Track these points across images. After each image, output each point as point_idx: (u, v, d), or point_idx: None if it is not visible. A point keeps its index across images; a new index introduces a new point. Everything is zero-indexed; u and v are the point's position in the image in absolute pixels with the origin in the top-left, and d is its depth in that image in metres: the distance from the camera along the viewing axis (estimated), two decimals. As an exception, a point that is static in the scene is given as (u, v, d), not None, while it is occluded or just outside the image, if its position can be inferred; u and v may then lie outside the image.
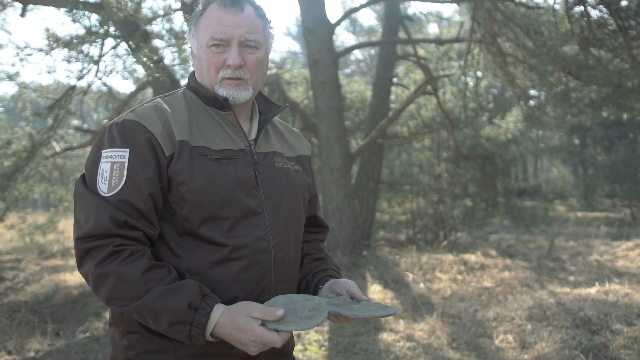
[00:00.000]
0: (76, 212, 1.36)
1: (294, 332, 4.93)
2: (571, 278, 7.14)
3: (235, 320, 1.25)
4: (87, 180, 1.37)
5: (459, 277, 7.09)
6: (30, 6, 7.66)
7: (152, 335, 1.38)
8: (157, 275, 1.28)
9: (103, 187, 1.33)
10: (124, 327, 1.41)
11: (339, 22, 8.13)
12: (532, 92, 12.62)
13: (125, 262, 1.27)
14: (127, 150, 1.35)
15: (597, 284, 6.34)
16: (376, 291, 6.30)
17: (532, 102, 10.82)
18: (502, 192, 12.66)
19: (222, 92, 1.46)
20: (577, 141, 20.23)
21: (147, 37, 7.06)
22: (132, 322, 1.39)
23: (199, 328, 1.25)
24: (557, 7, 8.10)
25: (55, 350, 4.52)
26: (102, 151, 1.37)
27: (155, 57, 6.00)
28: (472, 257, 8.18)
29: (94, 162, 1.37)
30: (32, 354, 4.41)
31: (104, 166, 1.34)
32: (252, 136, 1.54)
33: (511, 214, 12.58)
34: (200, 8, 1.49)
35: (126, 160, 1.34)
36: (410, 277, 7.07)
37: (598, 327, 4.71)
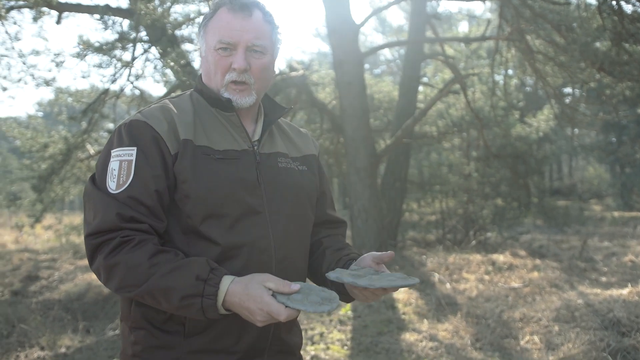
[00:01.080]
0: (85, 211, 1.42)
1: (310, 333, 4.98)
2: (603, 279, 6.98)
3: (247, 287, 1.27)
4: (97, 180, 1.42)
5: (486, 277, 7.00)
6: (65, 13, 7.90)
7: (158, 331, 1.42)
8: (164, 257, 1.32)
9: (112, 185, 1.37)
10: (131, 322, 1.46)
11: (364, 22, 8.14)
12: (565, 89, 12.37)
13: (132, 250, 1.31)
14: (135, 148, 1.39)
15: (629, 285, 6.17)
16: (401, 291, 6.28)
17: (565, 100, 10.60)
18: (534, 192, 12.43)
19: (226, 95, 1.49)
20: (613, 139, 19.68)
21: (176, 41, 7.21)
22: (139, 317, 1.43)
23: (209, 299, 1.27)
24: (589, 1, 7.93)
25: (85, 346, 4.67)
26: (112, 151, 1.42)
27: (182, 61, 6.12)
28: (500, 257, 8.07)
29: (104, 162, 1.42)
30: (63, 350, 4.57)
31: (113, 165, 1.39)
32: (257, 137, 1.57)
33: (544, 213, 12.34)
34: (210, 11, 1.53)
35: (134, 158, 1.38)
36: (436, 277, 7.02)
37: (628, 329, 4.60)
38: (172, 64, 6.00)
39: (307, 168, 1.67)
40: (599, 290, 6.02)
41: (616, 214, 15.85)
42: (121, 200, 1.35)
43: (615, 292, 5.85)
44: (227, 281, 1.29)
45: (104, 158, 1.43)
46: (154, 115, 1.44)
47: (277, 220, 1.49)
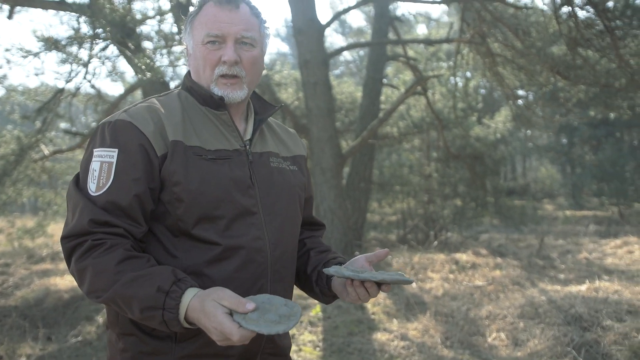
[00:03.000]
0: (67, 212, 1.38)
1: (286, 332, 4.94)
2: (561, 276, 7.21)
3: (203, 304, 1.21)
4: (80, 179, 1.38)
5: (451, 276, 7.13)
6: (18, 8, 7.58)
7: (148, 337, 1.37)
8: (132, 264, 1.27)
9: (92, 186, 1.33)
10: (119, 329, 1.40)
11: (329, 23, 8.15)
12: (521, 92, 12.74)
13: (101, 254, 1.27)
14: (116, 150, 1.34)
15: (587, 281, 6.40)
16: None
17: (520, 102, 10.91)
18: (491, 192, 12.74)
19: (217, 91, 1.45)
20: (564, 140, 20.43)
21: (137, 38, 7.03)
22: (127, 324, 1.38)
23: (171, 312, 1.22)
24: (545, 7, 8.20)
25: (47, 354, 4.49)
26: (94, 150, 1.37)
27: (147, 61, 5.98)
28: (463, 257, 8.23)
29: (87, 161, 1.38)
30: (23, 359, 4.37)
31: (94, 165, 1.35)
32: (248, 136, 1.54)
33: (501, 213, 12.66)
34: (196, 8, 1.49)
35: (114, 160, 1.34)
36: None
37: (589, 324, 4.76)
38: (136, 61, 5.84)
39: (297, 168, 1.65)
40: (559, 287, 6.22)
41: (568, 213, 16.45)
42: (99, 204, 1.31)
43: (574, 288, 6.06)
44: (189, 295, 1.24)
45: (87, 156, 1.39)
46: (140, 115, 1.39)
47: (272, 221, 1.47)
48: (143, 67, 5.52)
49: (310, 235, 1.74)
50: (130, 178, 1.32)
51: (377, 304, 5.83)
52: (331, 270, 1.37)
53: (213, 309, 1.19)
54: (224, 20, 1.43)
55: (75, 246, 1.29)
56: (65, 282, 6.91)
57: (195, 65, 1.49)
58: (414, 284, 6.72)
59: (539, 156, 22.63)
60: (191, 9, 1.64)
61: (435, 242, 9.90)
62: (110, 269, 1.25)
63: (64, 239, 1.32)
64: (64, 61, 7.28)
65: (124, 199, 1.31)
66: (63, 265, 8.27)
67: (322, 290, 1.57)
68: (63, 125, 11.64)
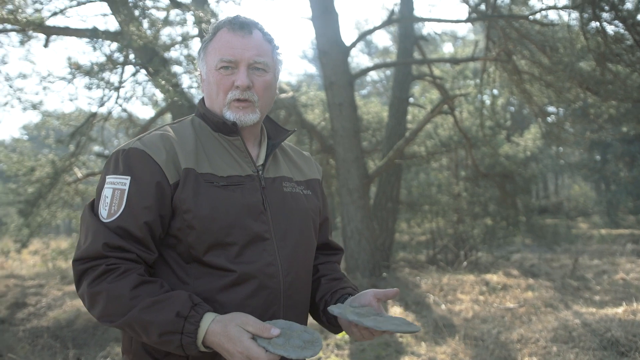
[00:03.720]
0: (79, 235, 1.40)
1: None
2: (597, 297, 6.98)
3: (226, 329, 1.23)
4: (95, 204, 1.41)
5: (481, 297, 6.97)
6: (53, 37, 7.86)
7: None
8: (147, 289, 1.29)
9: (103, 213, 1.36)
10: (133, 355, 1.42)
11: (353, 45, 8.21)
12: (551, 108, 12.55)
13: (116, 279, 1.28)
14: (129, 177, 1.37)
15: (624, 303, 6.17)
16: (397, 313, 6.22)
17: (550, 119, 10.75)
18: (522, 211, 12.50)
19: (229, 115, 1.46)
20: (598, 157, 19.96)
21: (165, 63, 7.20)
22: (140, 351, 1.40)
23: (189, 337, 1.24)
24: (573, 22, 8.08)
25: (76, 376, 4.54)
26: (107, 177, 1.40)
27: (173, 80, 6.11)
28: (494, 278, 8.05)
29: (100, 187, 1.41)
30: (54, 379, 4.44)
31: (106, 192, 1.37)
32: (261, 161, 1.54)
33: (533, 232, 12.40)
34: (210, 34, 1.52)
35: (126, 187, 1.36)
36: (431, 298, 6.98)
37: (627, 349, 4.58)
38: (163, 83, 5.97)
39: (312, 192, 1.65)
40: (594, 310, 6.02)
41: (603, 231, 15.97)
42: (111, 229, 1.33)
43: (610, 311, 5.85)
44: (208, 319, 1.26)
45: (101, 182, 1.42)
46: (154, 144, 1.41)
47: (285, 246, 1.47)
48: (169, 88, 5.64)
49: (325, 261, 1.72)
50: (141, 206, 1.34)
51: (404, 327, 5.74)
52: (335, 311, 1.36)
53: (238, 334, 1.21)
54: (237, 46, 1.45)
55: (88, 269, 1.31)
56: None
57: (208, 90, 1.51)
58: (442, 306, 6.60)
59: (571, 173, 22.14)
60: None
61: (465, 263, 9.72)
62: (126, 294, 1.26)
63: (77, 261, 1.34)
64: (89, 87, 7.47)
65: (135, 226, 1.33)
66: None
67: (329, 321, 1.55)
68: (96, 148, 11.95)
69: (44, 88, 8.78)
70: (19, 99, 8.89)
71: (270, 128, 1.65)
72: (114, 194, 1.36)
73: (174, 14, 8.53)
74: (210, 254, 1.37)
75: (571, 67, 7.59)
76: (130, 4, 6.64)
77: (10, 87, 8.61)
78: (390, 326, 1.30)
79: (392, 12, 9.07)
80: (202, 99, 1.57)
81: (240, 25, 1.47)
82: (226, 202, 1.39)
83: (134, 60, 8.14)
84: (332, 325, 1.56)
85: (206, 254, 1.37)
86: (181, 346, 1.25)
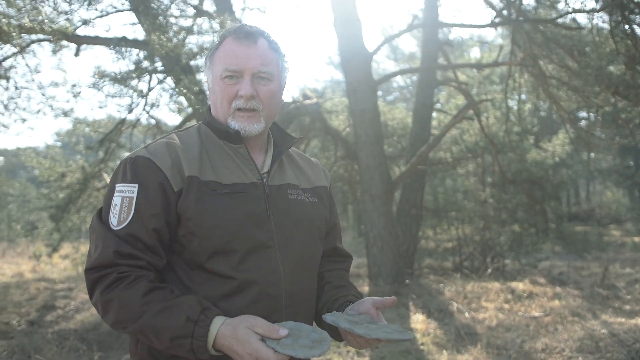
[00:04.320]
0: (90, 244, 1.43)
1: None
2: (627, 307, 6.80)
3: (235, 331, 1.24)
4: (103, 213, 1.43)
5: (506, 306, 6.86)
6: (84, 46, 8.07)
7: None
8: (157, 295, 1.31)
9: (113, 220, 1.38)
10: (139, 358, 1.45)
11: (376, 51, 8.21)
12: (580, 113, 12.32)
13: (127, 287, 1.31)
14: (136, 185, 1.39)
15: (654, 313, 6.00)
16: (419, 321, 6.17)
17: (580, 124, 10.53)
18: (552, 217, 12.25)
19: (234, 124, 1.48)
20: (631, 163, 19.44)
21: (191, 70, 7.32)
22: (145, 353, 1.42)
23: (199, 340, 1.26)
24: (601, 25, 7.93)
25: (100, 378, 4.63)
26: (116, 185, 1.42)
27: (195, 88, 6.20)
28: (519, 285, 7.91)
29: (109, 196, 1.43)
30: (78, 381, 4.53)
31: (116, 200, 1.40)
32: (266, 168, 1.55)
33: (562, 239, 12.13)
34: (216, 43, 1.54)
35: (134, 195, 1.38)
36: (454, 306, 6.89)
37: (655, 360, 4.45)
38: (185, 91, 6.08)
39: (318, 200, 1.65)
40: (623, 319, 5.86)
41: (637, 239, 15.53)
42: (121, 236, 1.35)
43: (640, 321, 5.69)
44: (217, 322, 1.27)
45: (109, 191, 1.44)
46: (159, 152, 1.43)
47: (288, 254, 1.47)
48: (191, 96, 5.73)
49: (332, 268, 1.72)
50: (149, 213, 1.37)
51: (426, 334, 5.69)
52: (328, 318, 1.36)
53: (247, 336, 1.22)
54: (241, 56, 1.46)
55: (100, 278, 1.34)
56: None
57: (214, 99, 1.53)
58: (466, 314, 6.52)
59: (603, 180, 21.61)
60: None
61: (489, 270, 9.57)
62: (137, 301, 1.29)
63: (88, 270, 1.37)
64: (115, 95, 7.65)
65: (143, 233, 1.36)
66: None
67: (331, 329, 1.54)
68: (125, 154, 12.18)
69: (75, 96, 9.02)
70: (51, 106, 9.15)
71: (277, 135, 1.65)
72: (122, 201, 1.38)
73: (200, 22, 8.68)
74: (212, 261, 1.39)
75: (600, 71, 7.43)
76: (156, 13, 6.78)
77: (43, 95, 8.87)
78: (382, 334, 1.29)
79: (415, 18, 9.04)
80: (209, 107, 1.59)
81: (245, 35, 1.48)
82: (229, 209, 1.41)
83: (160, 68, 8.32)
84: (334, 332, 1.55)
85: (208, 260, 1.39)
86: (192, 350, 1.26)
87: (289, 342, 1.22)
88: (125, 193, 1.40)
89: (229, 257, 1.39)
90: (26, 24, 5.35)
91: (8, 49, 6.91)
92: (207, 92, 1.61)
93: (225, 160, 1.49)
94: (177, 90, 6.74)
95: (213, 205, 1.40)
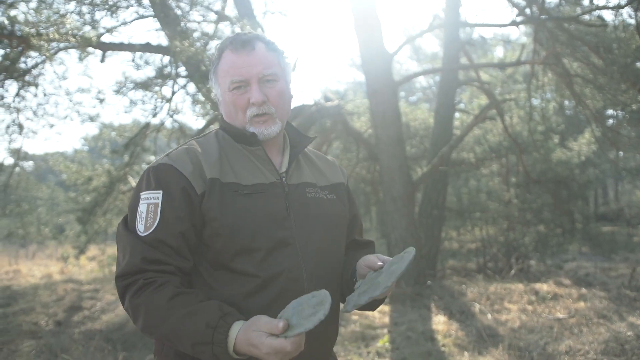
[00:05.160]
0: (117, 252, 1.48)
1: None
2: (655, 309, 6.64)
3: (247, 336, 1.27)
4: (129, 221, 1.47)
5: (529, 307, 6.77)
6: (109, 52, 8.25)
7: None
8: (182, 301, 1.34)
9: (140, 227, 1.43)
10: (164, 357, 1.49)
11: (397, 52, 8.19)
12: (607, 111, 12.07)
13: (153, 292, 1.35)
14: (161, 191, 1.44)
15: (683, 315, 5.86)
16: (440, 322, 6.14)
17: (606, 123, 10.32)
18: (578, 217, 12.04)
19: (252, 130, 1.53)
20: (661, 162, 18.96)
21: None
22: (171, 353, 1.46)
23: (220, 346, 1.28)
24: (627, 21, 7.76)
25: (125, 377, 4.72)
26: (141, 194, 1.47)
27: (213, 94, 6.29)
28: (544, 287, 7.80)
29: (134, 204, 1.48)
30: (104, 380, 4.63)
31: (142, 207, 1.45)
32: (284, 168, 1.59)
33: (589, 240, 11.92)
34: (216, 57, 1.58)
35: (159, 201, 1.43)
36: (477, 307, 6.83)
37: (683, 363, 4.35)
38: (202, 99, 6.18)
39: (336, 196, 1.68)
40: (650, 321, 5.74)
41: (667, 239, 15.15)
42: (148, 242, 1.40)
43: (668, 323, 5.56)
44: (236, 328, 1.29)
45: (134, 200, 1.48)
46: (180, 158, 1.48)
47: (308, 251, 1.50)
48: (209, 102, 5.81)
49: (352, 255, 1.73)
50: (174, 216, 1.42)
51: (447, 336, 5.65)
52: (348, 308, 1.38)
53: (258, 338, 1.25)
54: (243, 65, 1.51)
55: (129, 285, 1.39)
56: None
57: (227, 110, 1.58)
58: (488, 315, 6.45)
59: (632, 179, 21.13)
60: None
61: (513, 271, 9.44)
62: (162, 306, 1.33)
63: (118, 278, 1.41)
64: (147, 99, 7.78)
65: (170, 237, 1.41)
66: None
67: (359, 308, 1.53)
68: (149, 158, 12.39)
69: (101, 101, 9.22)
70: (77, 112, 9.37)
71: (293, 135, 1.69)
72: (148, 208, 1.43)
73: (222, 27, 8.79)
74: (237, 260, 1.43)
75: (626, 68, 7.28)
76: (177, 19, 6.90)
77: (70, 101, 9.09)
78: (391, 278, 1.32)
79: (437, 17, 8.99)
80: (222, 115, 1.64)
81: (242, 44, 1.52)
82: (250, 209, 1.45)
83: (183, 73, 8.45)
84: (367, 306, 1.56)
85: (233, 260, 1.43)
86: (214, 355, 1.29)
87: (295, 322, 1.24)
88: (150, 200, 1.44)
89: (252, 256, 1.44)
90: (52, 35, 5.49)
91: (36, 56, 7.10)
92: (218, 104, 1.66)
93: (244, 162, 1.54)
94: (198, 96, 6.85)
95: (235, 206, 1.44)
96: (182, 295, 1.36)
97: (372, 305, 1.57)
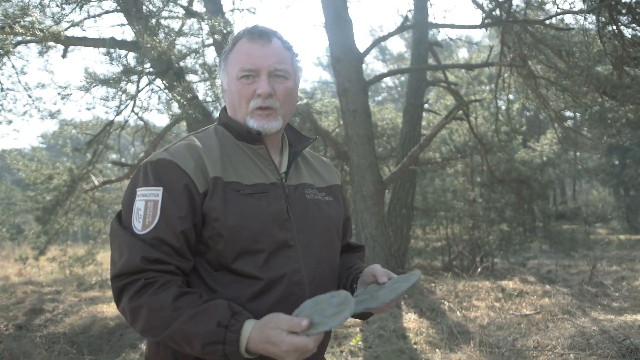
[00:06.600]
0: (112, 251, 1.40)
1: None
2: (615, 304, 6.87)
3: (265, 334, 1.22)
4: (123, 218, 1.40)
5: (497, 304, 6.90)
6: (71, 47, 7.98)
7: None
8: (187, 301, 1.29)
9: (137, 225, 1.36)
10: None
11: (367, 51, 8.21)
12: (567, 113, 12.44)
13: (156, 292, 1.28)
14: (161, 188, 1.37)
15: (643, 310, 6.08)
16: (411, 320, 6.19)
17: (567, 124, 10.62)
18: (539, 216, 12.37)
19: (252, 123, 1.48)
20: (616, 162, 19.67)
21: (181, 72, 7.27)
22: (169, 357, 1.40)
23: (232, 346, 1.24)
24: (589, 26, 8.00)
25: (92, 381, 4.57)
26: (137, 189, 1.40)
27: (189, 95, 6.17)
28: (510, 284, 7.97)
29: (129, 200, 1.41)
30: (70, 385, 4.48)
31: (139, 204, 1.38)
32: (283, 169, 1.56)
33: (550, 238, 12.25)
34: (230, 44, 1.54)
35: (159, 198, 1.36)
36: (446, 305, 6.92)
37: (646, 357, 4.50)
38: (178, 98, 6.04)
39: (333, 198, 1.66)
40: (612, 316, 5.93)
41: (622, 237, 15.73)
42: (147, 241, 1.33)
43: (629, 317, 5.76)
44: (248, 326, 1.25)
45: (129, 196, 1.42)
46: (181, 154, 1.42)
47: (309, 253, 1.48)
48: (184, 103, 5.70)
49: (345, 257, 1.73)
50: (176, 215, 1.35)
51: (419, 334, 5.70)
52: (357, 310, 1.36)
53: (277, 336, 1.20)
54: (256, 55, 1.47)
55: (127, 285, 1.32)
56: (112, 309, 7.07)
57: (231, 100, 1.53)
58: (458, 313, 6.54)
59: (589, 179, 21.85)
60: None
61: (479, 269, 9.63)
62: (168, 307, 1.27)
63: (115, 277, 1.34)
64: (111, 96, 7.57)
65: (171, 236, 1.34)
66: (110, 293, 8.47)
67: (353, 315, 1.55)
68: (112, 156, 12.08)
69: (62, 98, 8.92)
70: (37, 108, 9.04)
71: (292, 135, 1.66)
72: (147, 205, 1.36)
73: (189, 23, 8.62)
74: (239, 262, 1.39)
75: (588, 71, 7.50)
76: (148, 15, 6.73)
77: (29, 96, 8.76)
78: (392, 294, 1.32)
79: (406, 19, 9.07)
80: (224, 108, 1.59)
81: (259, 34, 1.49)
82: (252, 210, 1.41)
83: (149, 70, 8.25)
84: (358, 316, 1.56)
85: (235, 261, 1.38)
86: (225, 356, 1.25)
87: (318, 320, 1.21)
88: (149, 197, 1.38)
89: (255, 258, 1.39)
90: (16, 30, 5.27)
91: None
92: (222, 95, 1.61)
93: (245, 160, 1.50)
94: (169, 94, 6.69)
95: (238, 206, 1.40)
96: (187, 295, 1.30)
97: (363, 315, 1.55)
